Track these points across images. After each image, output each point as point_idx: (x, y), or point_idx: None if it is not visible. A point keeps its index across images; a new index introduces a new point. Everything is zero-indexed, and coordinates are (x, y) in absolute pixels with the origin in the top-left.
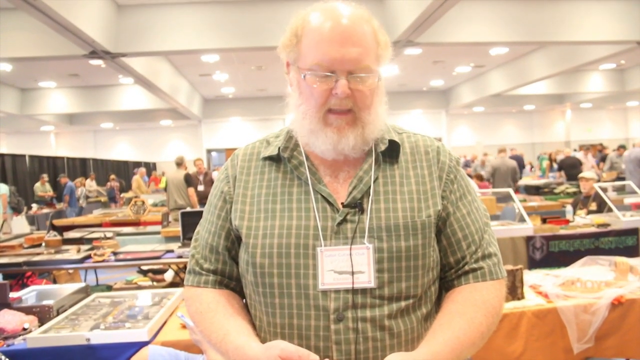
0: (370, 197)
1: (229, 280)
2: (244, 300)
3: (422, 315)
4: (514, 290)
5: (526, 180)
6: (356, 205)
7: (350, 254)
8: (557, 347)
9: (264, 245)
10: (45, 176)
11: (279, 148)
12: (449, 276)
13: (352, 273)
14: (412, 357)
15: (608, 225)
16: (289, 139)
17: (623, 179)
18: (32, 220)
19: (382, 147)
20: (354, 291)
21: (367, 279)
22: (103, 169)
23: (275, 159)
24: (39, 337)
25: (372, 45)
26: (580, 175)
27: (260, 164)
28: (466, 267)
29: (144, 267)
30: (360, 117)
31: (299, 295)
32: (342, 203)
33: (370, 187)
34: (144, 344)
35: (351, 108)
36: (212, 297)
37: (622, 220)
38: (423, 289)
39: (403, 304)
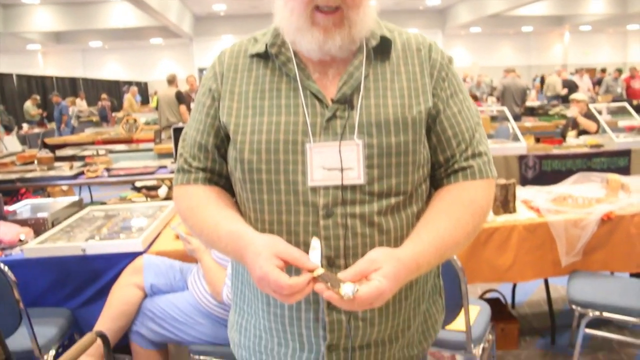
0: (361, 93)
1: (219, 178)
2: (234, 199)
3: (412, 213)
4: (506, 204)
5: None
6: (346, 101)
7: (340, 150)
8: (546, 260)
9: (252, 141)
10: (37, 97)
11: (266, 44)
12: (439, 174)
13: (342, 169)
14: (396, 254)
15: (601, 146)
16: (276, 36)
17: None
18: (23, 140)
19: (374, 43)
20: (343, 188)
21: (356, 175)
22: (93, 89)
23: (262, 56)
24: (36, 247)
25: None
26: (572, 96)
27: (247, 61)
28: (456, 166)
29: (138, 184)
30: (349, 16)
31: (287, 191)
32: (331, 99)
33: (360, 83)
34: (139, 254)
35: (339, 5)
36: (202, 193)
37: (615, 141)
38: (413, 186)
39: (393, 200)
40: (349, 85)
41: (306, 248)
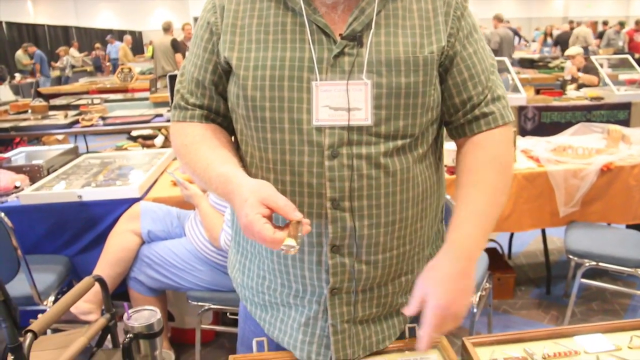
0: (372, 30)
1: (216, 116)
2: (233, 137)
3: (418, 155)
4: None
5: (521, 53)
6: (355, 38)
7: (347, 89)
8: (544, 209)
9: (256, 77)
10: (29, 46)
11: None
12: (457, 119)
13: (349, 110)
14: (444, 270)
15: (601, 98)
16: None
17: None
18: (16, 90)
19: None
20: (350, 128)
21: (363, 116)
22: (86, 38)
23: None
24: (32, 194)
25: None
26: (566, 53)
27: None
28: (477, 112)
29: (134, 133)
30: None
31: (292, 130)
32: (339, 35)
33: (372, 19)
34: (135, 200)
35: None
36: (198, 130)
37: (615, 94)
38: (421, 129)
39: (400, 142)
40: (360, 22)
41: (310, 189)
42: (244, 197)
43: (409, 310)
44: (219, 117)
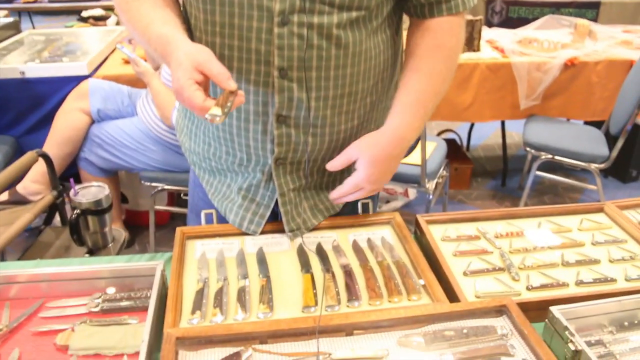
0: None
1: None
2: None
3: (372, 29)
4: (471, 42)
5: None
6: None
7: None
8: (505, 101)
9: None
10: None
11: None
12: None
13: None
14: (374, 140)
15: None
16: None
17: None
18: None
19: None
20: None
21: None
22: None
23: None
24: None
25: None
26: None
27: None
28: None
29: (84, 14)
30: None
31: None
32: None
33: None
34: (84, 78)
35: None
36: None
37: None
38: (376, 1)
39: (354, 14)
40: None
41: (258, 56)
42: (179, 60)
43: (332, 166)
44: None
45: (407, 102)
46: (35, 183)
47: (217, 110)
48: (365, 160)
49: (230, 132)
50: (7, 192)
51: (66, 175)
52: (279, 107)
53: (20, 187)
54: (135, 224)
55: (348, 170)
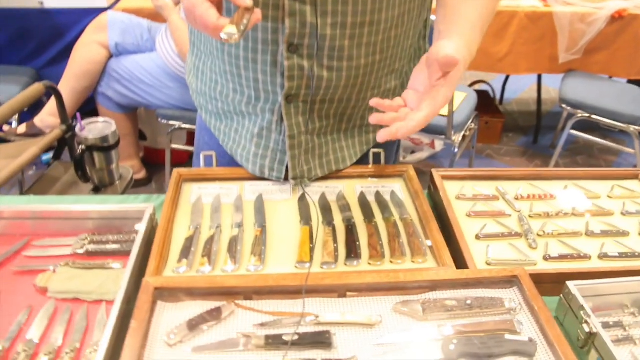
0: None
1: None
2: None
3: None
4: None
5: None
6: None
7: None
8: (544, 54)
9: None
10: None
11: None
12: None
13: None
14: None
15: None
16: None
17: None
18: None
19: None
20: None
21: None
22: None
23: None
24: None
25: None
26: None
27: None
28: None
29: None
30: None
31: None
32: None
33: None
34: (103, 10)
35: None
36: None
37: None
38: None
39: None
40: None
41: None
42: None
43: (381, 137)
44: None
45: (460, 28)
46: (52, 116)
47: (232, 29)
48: (425, 102)
49: (237, 64)
50: (25, 124)
51: (85, 110)
52: (289, 34)
53: (37, 120)
54: (154, 162)
55: (368, 116)
